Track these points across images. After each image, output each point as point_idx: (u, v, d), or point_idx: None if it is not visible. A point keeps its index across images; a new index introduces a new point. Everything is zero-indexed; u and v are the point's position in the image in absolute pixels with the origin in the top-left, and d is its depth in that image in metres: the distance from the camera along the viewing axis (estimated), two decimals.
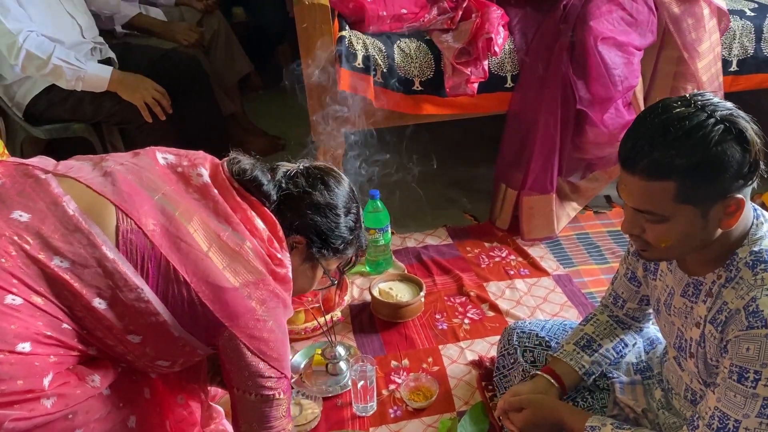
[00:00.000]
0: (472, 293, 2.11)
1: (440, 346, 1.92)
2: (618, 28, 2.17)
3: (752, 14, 2.39)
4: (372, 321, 2.02)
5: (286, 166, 1.29)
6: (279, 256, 1.17)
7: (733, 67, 2.37)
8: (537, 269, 2.24)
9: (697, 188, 1.04)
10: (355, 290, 2.16)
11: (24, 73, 2.20)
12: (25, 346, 0.96)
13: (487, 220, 2.52)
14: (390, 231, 2.23)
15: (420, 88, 2.19)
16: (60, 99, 2.28)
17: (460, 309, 2.06)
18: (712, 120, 1.02)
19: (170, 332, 1.09)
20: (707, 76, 2.27)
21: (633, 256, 1.43)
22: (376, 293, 2.02)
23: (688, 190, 1.04)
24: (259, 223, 1.16)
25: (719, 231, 1.10)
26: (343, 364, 1.81)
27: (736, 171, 1.03)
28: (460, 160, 2.89)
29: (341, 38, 2.07)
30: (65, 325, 1.02)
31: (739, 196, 1.05)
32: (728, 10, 2.34)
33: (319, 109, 2.16)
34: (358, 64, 2.09)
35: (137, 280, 1.04)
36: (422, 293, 2.02)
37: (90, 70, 2.20)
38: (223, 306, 1.09)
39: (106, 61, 2.37)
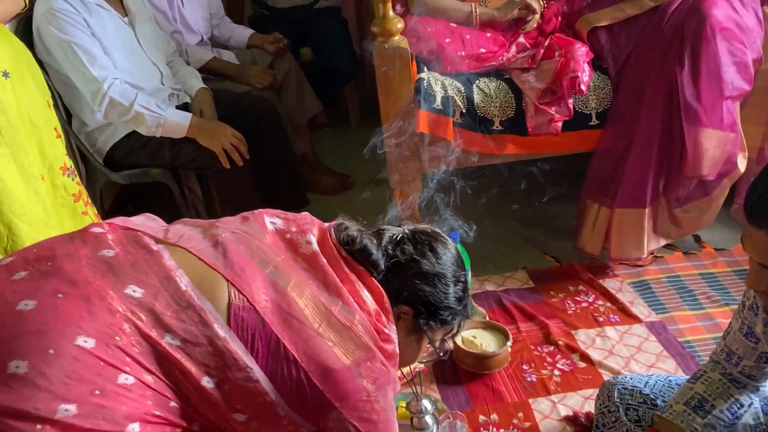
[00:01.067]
0: (560, 342, 2.01)
1: (530, 400, 1.82)
2: (734, 21, 2.03)
3: None
4: (455, 372, 1.94)
5: (391, 231, 1.24)
6: (386, 330, 1.12)
7: None
8: (628, 315, 2.12)
9: None
10: None
11: (106, 120, 2.25)
12: (134, 428, 0.93)
13: (569, 263, 2.41)
14: (470, 275, 2.16)
15: (500, 127, 2.13)
16: (140, 145, 2.31)
17: (548, 359, 1.97)
18: None
19: (276, 411, 1.04)
20: None
21: (750, 310, 1.32)
22: (459, 342, 1.95)
23: None
24: (367, 296, 1.11)
25: None
26: (429, 418, 1.73)
27: None
28: (537, 198, 2.81)
29: (420, 80, 2.04)
30: (173, 403, 0.99)
31: None
32: None
33: (396, 150, 2.12)
34: (437, 106, 2.06)
35: (247, 359, 1.00)
36: (509, 342, 1.93)
37: (170, 117, 2.23)
38: (333, 386, 1.04)
39: (184, 107, 2.40)
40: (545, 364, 1.95)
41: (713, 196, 2.22)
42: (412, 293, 1.18)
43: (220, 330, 0.99)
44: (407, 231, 1.25)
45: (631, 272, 2.35)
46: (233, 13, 3.29)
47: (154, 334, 0.96)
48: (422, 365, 1.93)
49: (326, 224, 1.20)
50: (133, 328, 0.96)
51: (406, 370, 1.83)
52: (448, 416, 1.64)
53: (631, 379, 1.58)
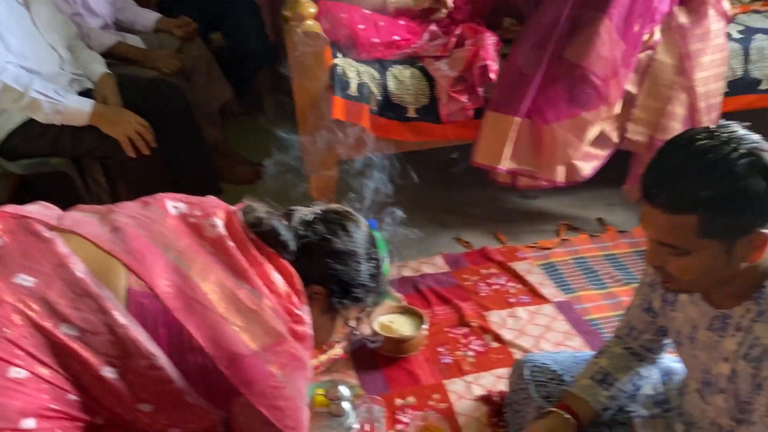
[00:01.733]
0: (473, 324, 2.06)
1: (445, 381, 1.86)
2: None
3: (739, 36, 2.42)
4: (374, 357, 1.95)
5: (302, 212, 1.23)
6: (298, 311, 1.10)
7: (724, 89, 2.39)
8: (537, 296, 2.20)
9: (721, 223, 1.03)
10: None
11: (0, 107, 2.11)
12: (29, 423, 0.89)
13: (482, 247, 2.48)
14: (387, 261, 2.18)
15: (415, 115, 2.15)
16: (38, 133, 2.18)
17: (462, 341, 2.01)
18: (737, 153, 1.01)
19: (184, 399, 1.02)
20: (704, 89, 2.27)
21: (649, 287, 1.40)
22: (377, 327, 1.96)
23: (711, 224, 1.02)
24: (277, 278, 1.09)
25: (744, 265, 1.08)
26: (346, 405, 1.74)
27: (761, 206, 1.02)
28: (451, 185, 2.86)
29: (334, 66, 2.03)
30: (72, 396, 0.95)
31: (765, 231, 1.03)
32: None
33: (311, 137, 2.11)
34: (352, 92, 2.05)
35: (151, 346, 0.97)
36: (425, 326, 1.97)
37: (69, 104, 2.11)
38: (239, 373, 1.01)
39: (87, 93, 2.29)
40: (459, 345, 1.99)
41: (585, 118, 2.26)
42: (325, 273, 1.17)
43: (120, 317, 0.96)
44: (318, 211, 1.24)
45: (540, 255, 2.44)
46: None
47: (48, 324, 0.92)
48: (341, 352, 1.93)
49: (233, 207, 1.18)
50: (24, 319, 0.91)
51: (323, 357, 1.83)
52: (366, 401, 1.65)
53: (540, 357, 1.64)
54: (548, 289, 2.24)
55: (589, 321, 2.09)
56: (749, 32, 2.43)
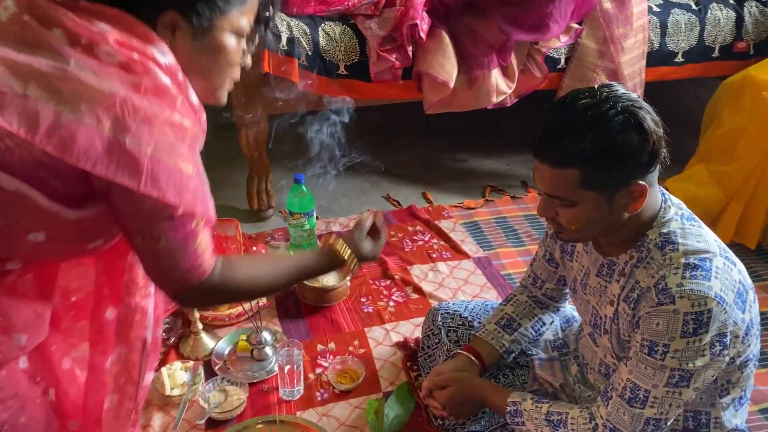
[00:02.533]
0: (396, 276, 2.15)
1: (366, 329, 1.94)
2: None
3: (658, 10, 2.53)
4: (298, 306, 2.02)
5: None
6: (136, 57, 0.90)
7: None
8: (458, 252, 2.30)
9: (600, 175, 1.11)
10: None
11: None
12: None
13: (409, 205, 2.55)
14: (315, 216, 2.23)
15: (345, 72, 2.19)
16: None
17: (385, 292, 2.09)
18: (613, 111, 1.09)
19: (36, 203, 0.90)
20: (629, 70, 2.39)
21: (551, 239, 1.49)
22: None
23: (591, 177, 1.11)
24: (97, 26, 0.89)
25: (626, 215, 1.17)
26: (268, 350, 1.80)
27: (636, 159, 1.10)
28: (384, 146, 2.92)
29: None
30: None
31: (642, 182, 1.12)
32: None
33: (241, 91, 2.12)
34: (283, 46, 2.07)
35: None
36: (348, 277, 2.03)
37: None
38: (64, 147, 0.85)
39: None
40: (381, 296, 2.08)
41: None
42: None
43: None
44: None
45: (464, 214, 2.53)
46: None
47: None
48: (264, 300, 1.99)
49: None
50: None
51: (247, 306, 1.87)
52: (286, 344, 1.71)
53: (453, 304, 1.73)
54: (469, 246, 2.33)
55: (505, 275, 2.20)
56: (667, 6, 2.54)
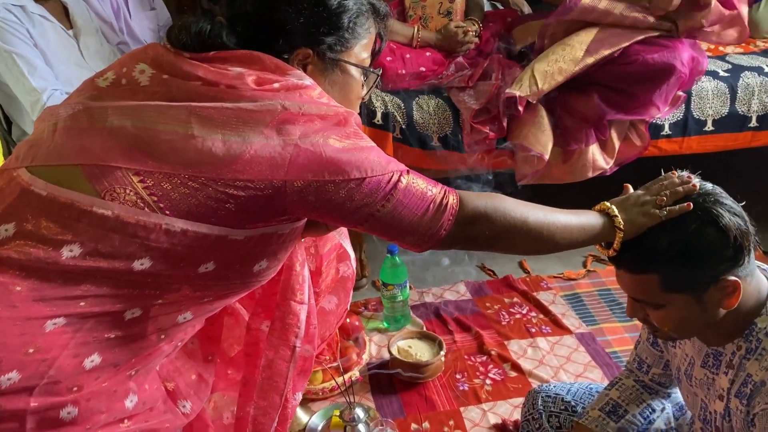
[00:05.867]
0: (493, 352, 2.07)
1: (462, 408, 1.87)
2: None
3: (726, 75, 2.39)
4: (391, 381, 1.98)
5: None
6: (277, 86, 0.95)
7: (753, 123, 2.36)
8: (559, 327, 2.20)
9: (682, 278, 1.06)
10: (373, 347, 2.13)
11: None
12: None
13: (505, 276, 2.48)
14: (408, 286, 2.21)
15: (438, 144, 2.20)
16: None
17: (481, 369, 2.02)
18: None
19: (231, 241, 0.95)
20: None
21: None
22: (395, 352, 1.99)
23: (673, 280, 1.06)
24: (232, 70, 0.95)
25: (722, 311, 1.09)
26: (362, 427, 1.76)
27: (718, 256, 1.04)
28: None
29: None
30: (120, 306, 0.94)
31: (733, 278, 1.05)
32: (745, 66, 2.37)
33: None
34: (377, 121, 2.11)
35: (151, 218, 0.90)
36: (442, 352, 1.98)
37: None
38: (244, 170, 0.90)
39: None
40: (478, 373, 2.00)
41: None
42: (293, 32, 1.02)
43: (100, 209, 0.90)
44: None
45: (564, 285, 2.43)
46: None
47: (48, 255, 0.89)
48: (357, 374, 1.97)
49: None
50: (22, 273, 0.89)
51: (340, 380, 1.86)
52: (380, 423, 1.68)
53: (554, 387, 1.64)
54: (571, 320, 2.23)
55: (611, 353, 2.07)
56: (736, 70, 2.39)
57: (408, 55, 2.23)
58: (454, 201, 1.01)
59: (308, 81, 0.99)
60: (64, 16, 2.31)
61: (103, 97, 0.98)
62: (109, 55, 2.51)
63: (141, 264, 0.92)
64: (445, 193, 1.02)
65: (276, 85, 0.95)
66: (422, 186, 1.00)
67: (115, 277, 0.92)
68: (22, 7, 2.17)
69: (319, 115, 0.95)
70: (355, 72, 1.09)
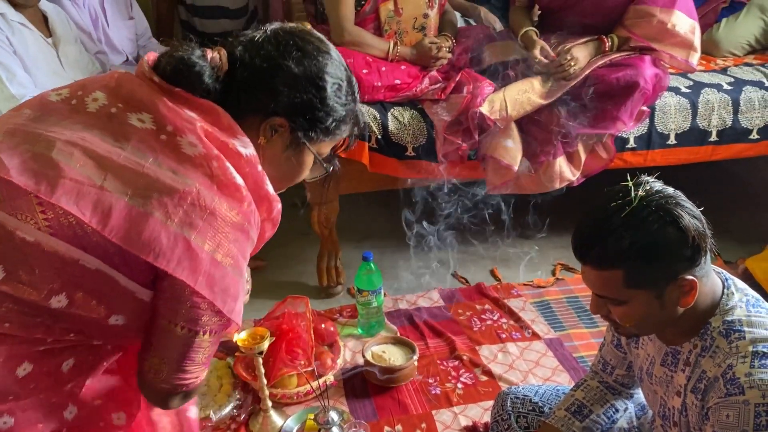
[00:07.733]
0: (464, 357, 2.12)
1: (433, 411, 1.92)
2: None
3: (730, 88, 2.51)
4: (365, 385, 2.02)
5: (249, 35, 1.08)
6: (215, 153, 0.95)
7: (713, 137, 2.46)
8: (529, 332, 2.25)
9: (643, 274, 1.12)
10: (348, 353, 2.17)
11: None
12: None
13: (477, 283, 2.54)
14: (383, 293, 2.26)
15: (413, 153, 2.26)
16: None
17: (453, 373, 2.07)
18: (647, 210, 1.10)
19: (114, 281, 0.94)
20: None
21: None
22: (369, 357, 2.03)
23: (635, 276, 1.12)
24: (186, 114, 0.96)
25: (680, 309, 1.16)
26: (336, 429, 1.79)
27: (677, 255, 1.10)
28: (454, 222, 2.94)
29: None
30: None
31: (690, 277, 1.12)
32: (706, 83, 2.49)
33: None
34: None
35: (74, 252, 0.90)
36: (415, 357, 2.03)
37: None
38: (136, 239, 0.90)
39: None
40: (450, 377, 2.05)
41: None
42: (282, 101, 1.03)
43: (26, 235, 0.89)
44: (268, 32, 1.07)
45: (534, 292, 2.50)
46: (164, 35, 3.32)
47: None
48: (332, 378, 2.00)
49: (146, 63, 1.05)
50: None
51: (315, 384, 1.89)
52: (353, 426, 1.71)
53: (523, 389, 1.69)
54: (540, 327, 2.29)
55: (578, 358, 2.14)
56: (739, 84, 2.52)
57: (384, 68, 2.29)
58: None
59: (250, 152, 1.00)
60: (44, 25, 2.34)
61: (45, 116, 0.97)
62: (87, 64, 2.53)
63: (58, 302, 0.93)
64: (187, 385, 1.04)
65: (214, 151, 0.95)
66: (200, 357, 1.02)
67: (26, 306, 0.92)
68: (2, 15, 2.19)
69: (224, 219, 0.95)
70: (311, 159, 1.11)
